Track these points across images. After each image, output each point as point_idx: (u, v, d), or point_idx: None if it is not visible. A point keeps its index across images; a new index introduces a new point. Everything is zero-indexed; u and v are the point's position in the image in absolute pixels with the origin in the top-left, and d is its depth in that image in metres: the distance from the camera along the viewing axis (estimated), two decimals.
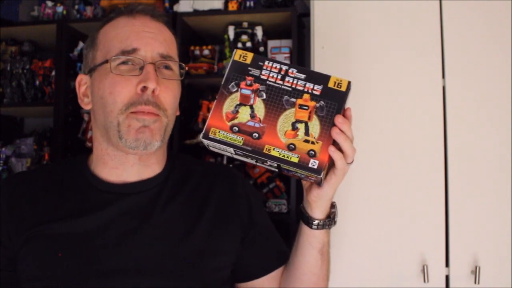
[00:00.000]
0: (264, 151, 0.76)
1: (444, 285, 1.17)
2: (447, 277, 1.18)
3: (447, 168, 1.20)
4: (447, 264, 1.18)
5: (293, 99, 0.78)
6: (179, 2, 1.58)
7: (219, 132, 0.77)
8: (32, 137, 1.74)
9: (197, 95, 1.65)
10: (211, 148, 0.81)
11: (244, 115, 0.78)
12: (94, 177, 0.88)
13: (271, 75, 0.80)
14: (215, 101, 0.80)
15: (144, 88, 0.81)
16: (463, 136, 1.20)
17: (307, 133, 0.77)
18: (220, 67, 1.63)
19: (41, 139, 1.76)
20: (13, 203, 0.86)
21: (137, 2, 1.61)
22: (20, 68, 1.72)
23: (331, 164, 0.78)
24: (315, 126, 0.77)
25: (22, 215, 0.84)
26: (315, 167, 0.75)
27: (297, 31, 1.50)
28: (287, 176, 0.88)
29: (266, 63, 0.81)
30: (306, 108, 0.78)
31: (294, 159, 0.76)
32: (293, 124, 0.77)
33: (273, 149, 0.76)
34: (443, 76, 1.23)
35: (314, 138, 0.76)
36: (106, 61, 0.83)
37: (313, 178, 0.79)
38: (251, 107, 0.78)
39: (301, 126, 0.77)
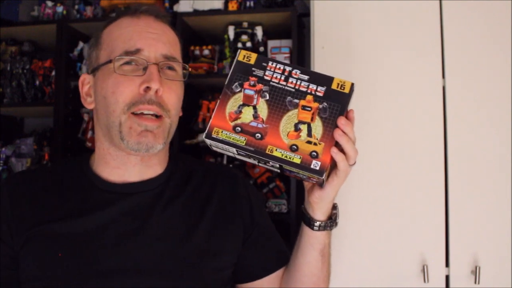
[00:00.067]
0: (267, 151, 0.76)
1: (444, 285, 1.17)
2: (447, 277, 1.18)
3: (447, 168, 1.20)
4: (447, 264, 1.18)
5: (296, 100, 0.79)
6: (179, 2, 1.58)
7: (222, 132, 0.78)
8: (32, 137, 1.74)
9: (197, 95, 1.65)
10: (214, 148, 0.81)
11: (247, 115, 0.78)
12: (96, 176, 0.88)
13: (274, 76, 0.80)
14: (218, 101, 0.80)
15: (147, 89, 0.81)
16: (463, 136, 1.20)
17: (309, 134, 0.77)
18: (220, 67, 1.63)
19: (41, 139, 1.76)
20: (14, 202, 0.86)
21: (139, 2, 1.62)
22: (20, 68, 1.72)
23: (333, 165, 0.79)
24: (317, 127, 0.77)
25: (22, 215, 0.84)
26: (317, 168, 0.75)
27: (297, 31, 1.50)
28: (287, 176, 0.89)
29: (269, 63, 0.81)
30: (309, 109, 0.78)
31: (296, 160, 0.76)
32: (296, 125, 0.77)
33: (276, 149, 0.76)
34: (443, 76, 1.23)
35: (317, 139, 0.77)
36: (110, 61, 0.83)
37: (315, 180, 0.79)
38: (254, 107, 0.79)
39: (303, 127, 0.77)
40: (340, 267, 1.18)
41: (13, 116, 1.93)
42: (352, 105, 0.81)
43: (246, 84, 0.80)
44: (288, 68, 0.81)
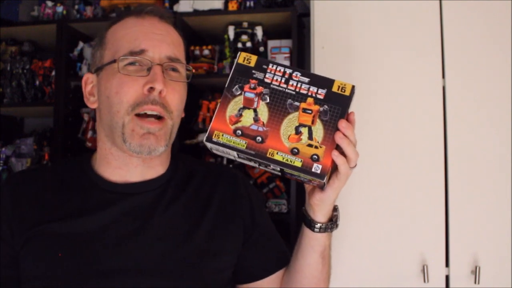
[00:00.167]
0: (268, 155, 0.76)
1: (444, 285, 1.17)
2: (447, 277, 1.18)
3: (447, 168, 1.20)
4: (447, 264, 1.18)
5: (296, 103, 0.78)
6: (179, 2, 1.58)
7: (222, 135, 0.77)
8: (32, 137, 1.74)
9: (197, 95, 1.65)
10: (214, 151, 0.81)
11: (247, 118, 0.78)
12: (97, 176, 0.89)
13: (275, 78, 0.80)
14: (219, 104, 0.80)
15: (151, 89, 0.82)
16: (463, 136, 1.20)
17: (310, 137, 0.77)
18: (220, 67, 1.63)
19: (41, 139, 1.75)
20: (15, 202, 0.86)
21: (140, 2, 1.62)
22: (20, 68, 1.72)
23: (334, 168, 0.78)
24: (318, 130, 0.77)
25: (23, 214, 0.84)
26: (318, 171, 0.75)
27: (297, 31, 1.50)
28: None
29: (270, 66, 0.81)
30: (310, 112, 0.78)
31: (297, 163, 0.76)
32: (297, 128, 0.77)
33: (277, 153, 0.76)
34: (443, 76, 1.23)
35: (318, 142, 0.76)
36: (114, 61, 0.83)
37: (316, 183, 0.79)
38: (255, 110, 0.78)
39: (304, 130, 0.77)
40: (340, 267, 1.18)
41: (13, 116, 1.93)
42: (352, 105, 0.81)
43: (246, 87, 0.79)
44: (288, 71, 0.80)
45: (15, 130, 1.93)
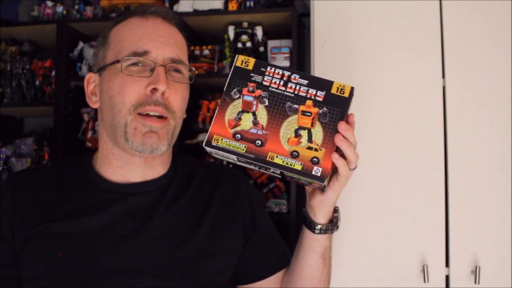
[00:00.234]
0: (267, 158, 0.76)
1: (444, 285, 1.17)
2: (447, 277, 1.18)
3: (447, 168, 1.20)
4: (447, 264, 1.18)
5: (295, 106, 0.78)
6: (179, 2, 1.58)
7: (221, 139, 0.77)
8: (32, 137, 1.74)
9: (197, 95, 1.65)
10: (214, 155, 0.81)
11: (246, 122, 0.78)
12: (98, 176, 0.88)
13: (273, 81, 0.80)
14: (217, 108, 0.79)
15: (154, 90, 0.81)
16: (463, 136, 1.20)
17: (310, 140, 0.76)
18: (220, 67, 1.63)
19: (41, 139, 1.76)
20: (15, 202, 0.85)
21: (140, 2, 1.62)
22: (20, 68, 1.72)
23: (334, 170, 0.78)
24: (318, 132, 0.77)
25: (23, 214, 0.84)
26: (319, 174, 0.75)
27: (297, 31, 1.50)
28: None
29: (268, 68, 0.81)
30: (309, 114, 0.77)
31: (298, 166, 0.75)
32: (296, 131, 0.77)
33: (276, 156, 0.76)
34: (443, 76, 1.23)
35: (317, 145, 0.76)
36: (117, 61, 0.83)
37: (316, 185, 0.78)
38: (254, 114, 0.78)
39: (304, 133, 0.77)
40: (340, 267, 1.18)
41: (13, 116, 1.93)
42: (352, 105, 0.81)
43: (245, 90, 0.79)
44: (287, 73, 0.80)
45: (15, 130, 1.94)
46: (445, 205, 1.19)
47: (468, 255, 1.16)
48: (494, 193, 1.17)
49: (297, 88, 0.79)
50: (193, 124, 1.62)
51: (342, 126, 0.76)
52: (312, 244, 0.88)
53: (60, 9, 1.72)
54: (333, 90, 0.79)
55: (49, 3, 1.73)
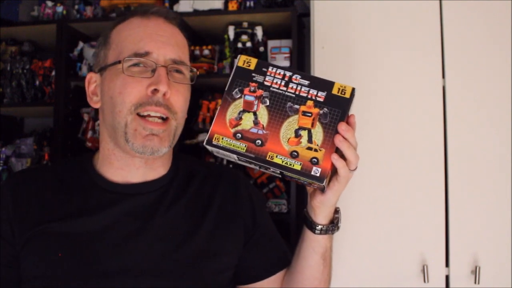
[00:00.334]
0: (267, 158, 0.76)
1: (444, 285, 1.17)
2: (447, 277, 1.18)
3: (447, 168, 1.20)
4: (447, 264, 1.18)
5: (296, 106, 0.78)
6: (179, 2, 1.58)
7: (222, 138, 0.78)
8: (32, 137, 1.74)
9: (197, 95, 1.65)
10: (215, 153, 0.82)
11: (247, 121, 0.78)
12: (99, 176, 0.89)
13: (274, 81, 0.80)
14: (219, 107, 0.80)
15: (155, 91, 0.81)
16: (463, 136, 1.20)
17: (310, 140, 0.77)
18: (220, 67, 1.63)
19: (41, 139, 1.76)
20: (16, 202, 0.85)
21: (140, 2, 1.62)
22: (20, 68, 1.72)
23: (334, 170, 0.78)
24: (318, 133, 0.77)
25: (23, 214, 0.84)
26: (318, 175, 0.75)
27: (297, 31, 1.50)
28: None
29: (270, 69, 0.81)
30: (310, 115, 0.78)
31: (297, 166, 0.76)
32: (296, 131, 0.77)
33: (276, 156, 0.76)
34: (443, 76, 1.23)
35: (317, 145, 0.76)
36: (119, 62, 0.83)
37: (316, 185, 0.79)
38: (255, 113, 0.79)
39: (304, 133, 0.77)
40: (340, 267, 1.18)
41: (13, 116, 1.93)
42: (352, 105, 0.81)
43: (246, 90, 0.80)
44: (288, 73, 0.80)
45: (15, 130, 1.94)
46: (445, 205, 1.19)
47: (468, 255, 1.16)
48: (494, 193, 1.17)
49: (298, 88, 0.79)
50: (193, 124, 1.62)
51: (342, 127, 0.76)
52: (312, 244, 0.88)
53: (60, 9, 1.72)
54: (334, 91, 0.79)
55: (49, 3, 1.73)
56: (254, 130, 0.78)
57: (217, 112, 0.79)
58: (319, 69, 1.28)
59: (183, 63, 0.87)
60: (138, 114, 0.82)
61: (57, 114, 1.61)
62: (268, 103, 0.79)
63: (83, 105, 1.66)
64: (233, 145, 0.77)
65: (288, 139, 0.77)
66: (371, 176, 1.22)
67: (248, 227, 0.93)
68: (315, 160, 0.76)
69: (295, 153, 0.76)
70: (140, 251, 0.83)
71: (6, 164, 1.72)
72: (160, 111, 0.82)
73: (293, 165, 0.76)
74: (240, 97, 0.79)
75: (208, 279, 0.87)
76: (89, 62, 1.64)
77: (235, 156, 0.78)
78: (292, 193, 1.45)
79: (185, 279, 0.84)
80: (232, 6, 1.56)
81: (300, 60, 1.57)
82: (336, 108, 0.78)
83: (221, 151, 0.78)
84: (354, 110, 0.81)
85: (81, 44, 1.67)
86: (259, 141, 0.77)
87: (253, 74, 0.81)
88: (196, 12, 1.56)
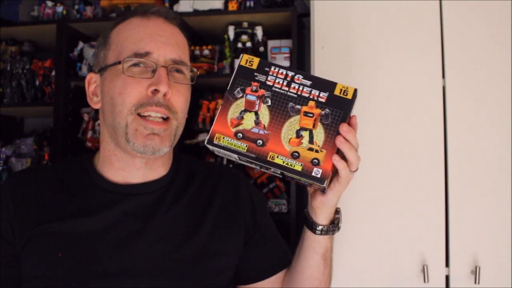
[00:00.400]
0: (268, 158, 0.76)
1: (444, 285, 1.17)
2: (447, 277, 1.18)
3: (447, 168, 1.20)
4: (447, 264, 1.18)
5: (298, 106, 0.78)
6: (179, 2, 1.58)
7: (223, 138, 0.77)
8: (32, 137, 1.74)
9: (197, 95, 1.65)
10: (216, 153, 0.81)
11: (248, 121, 0.78)
12: (100, 176, 0.88)
13: (277, 81, 0.80)
14: (220, 106, 0.79)
15: (156, 91, 0.81)
16: (463, 136, 1.20)
17: (311, 141, 0.76)
18: (220, 67, 1.63)
19: (41, 139, 1.76)
20: (16, 202, 0.85)
21: (140, 2, 1.62)
22: (20, 68, 1.72)
23: (335, 171, 0.78)
24: (319, 134, 0.77)
25: (23, 214, 0.84)
26: (318, 175, 0.75)
27: (297, 31, 1.50)
28: None
29: (272, 68, 0.81)
30: (311, 115, 0.77)
31: (298, 167, 0.75)
32: (298, 132, 0.77)
33: (277, 156, 0.76)
34: (443, 76, 1.23)
35: (318, 146, 0.76)
36: (119, 62, 0.83)
37: (316, 186, 0.78)
38: (256, 113, 0.78)
39: (305, 134, 0.77)
40: (340, 267, 1.18)
41: (13, 116, 1.93)
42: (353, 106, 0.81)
43: (248, 90, 0.79)
44: (290, 73, 0.80)
45: (15, 130, 1.94)
46: (445, 205, 1.19)
47: (468, 255, 1.16)
48: (494, 193, 1.17)
49: (300, 88, 0.79)
50: (193, 124, 1.62)
51: (343, 128, 0.76)
52: (313, 244, 0.88)
53: (60, 9, 1.72)
54: (336, 92, 0.79)
55: (49, 3, 1.73)
56: (256, 130, 0.77)
57: (218, 112, 0.79)
58: (319, 69, 1.28)
59: (183, 63, 0.87)
60: (139, 114, 0.82)
61: (57, 114, 1.62)
62: (269, 103, 0.78)
63: (83, 105, 1.66)
64: (234, 145, 0.77)
65: (289, 140, 0.76)
66: (371, 176, 1.22)
67: (249, 227, 0.93)
68: (316, 161, 0.75)
69: (296, 154, 0.76)
70: (140, 251, 0.83)
71: (6, 164, 1.72)
72: (161, 112, 0.82)
73: (294, 166, 0.75)
74: (242, 97, 0.79)
75: (208, 279, 0.86)
76: (89, 62, 1.64)
77: (235, 155, 0.78)
78: (292, 193, 1.45)
79: (185, 279, 0.84)
80: (232, 6, 1.56)
81: (300, 60, 1.57)
82: (338, 109, 0.77)
83: (222, 150, 0.78)
84: (354, 110, 0.81)
85: (81, 44, 1.67)
86: (260, 141, 0.77)
87: (255, 74, 0.80)
88: (196, 12, 1.56)
